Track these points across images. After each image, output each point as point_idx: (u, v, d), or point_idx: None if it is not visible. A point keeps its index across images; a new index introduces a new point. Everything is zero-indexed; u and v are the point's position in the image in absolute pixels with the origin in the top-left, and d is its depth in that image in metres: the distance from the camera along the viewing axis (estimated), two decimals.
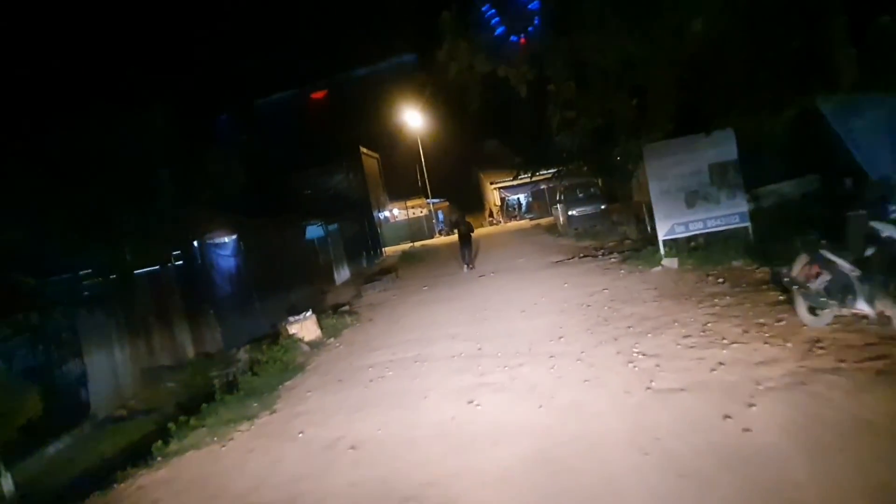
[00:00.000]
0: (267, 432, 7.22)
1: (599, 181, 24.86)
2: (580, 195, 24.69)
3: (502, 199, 45.76)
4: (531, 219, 41.72)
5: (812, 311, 6.82)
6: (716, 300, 8.78)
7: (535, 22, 13.43)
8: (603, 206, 23.79)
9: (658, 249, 13.40)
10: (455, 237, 20.17)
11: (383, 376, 8.39)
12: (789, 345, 6.33)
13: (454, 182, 46.72)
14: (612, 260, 15.07)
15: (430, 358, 8.81)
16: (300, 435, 6.76)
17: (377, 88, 39.88)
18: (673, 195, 12.73)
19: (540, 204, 42.54)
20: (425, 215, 43.84)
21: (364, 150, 32.10)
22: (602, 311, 9.48)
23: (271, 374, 9.85)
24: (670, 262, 12.46)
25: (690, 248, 13.22)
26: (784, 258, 10.71)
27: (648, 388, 5.92)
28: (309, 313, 12.37)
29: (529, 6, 14.01)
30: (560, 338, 8.36)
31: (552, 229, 27.97)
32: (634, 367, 6.58)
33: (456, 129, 43.32)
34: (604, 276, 12.89)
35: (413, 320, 12.19)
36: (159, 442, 7.46)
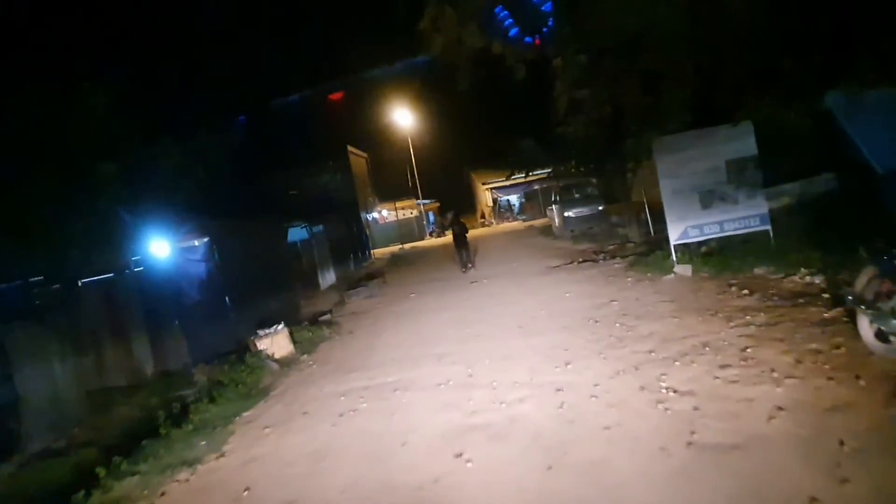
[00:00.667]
0: (208, 485, 5.77)
1: (595, 180, 23.53)
2: (577, 195, 23.30)
3: (494, 200, 44.29)
4: (524, 220, 40.32)
5: (882, 336, 5.43)
6: (748, 317, 7.39)
7: (550, 23, 12.26)
8: (601, 207, 22.41)
9: (668, 254, 12.05)
10: (448, 239, 18.99)
11: (356, 409, 6.95)
12: (862, 382, 4.93)
13: (445, 182, 45.42)
14: (616, 265, 13.69)
15: (413, 385, 7.37)
16: (245, 494, 5.31)
17: (367, 88, 38.48)
18: (686, 195, 11.36)
19: (533, 205, 41.16)
20: (415, 216, 42.37)
21: (352, 149, 30.61)
22: (614, 329, 8.07)
23: (230, 401, 8.42)
24: (683, 270, 11.09)
25: (703, 254, 11.88)
26: (816, 266, 9.49)
27: (690, 442, 4.51)
28: (280, 326, 10.93)
29: (543, 7, 12.82)
30: (567, 364, 6.93)
31: (547, 231, 26.58)
32: (666, 409, 5.16)
33: (447, 128, 42.06)
34: (609, 284, 11.51)
35: (397, 334, 10.76)
36: (81, 494, 6.01)
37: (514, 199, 44.64)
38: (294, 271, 19.50)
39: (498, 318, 10.19)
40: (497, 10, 13.72)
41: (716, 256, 11.27)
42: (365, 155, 34.48)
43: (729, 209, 11.25)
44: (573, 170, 18.46)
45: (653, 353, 6.68)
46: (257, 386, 9.06)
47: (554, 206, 24.43)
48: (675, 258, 11.50)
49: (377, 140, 39.94)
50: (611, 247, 17.80)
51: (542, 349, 7.73)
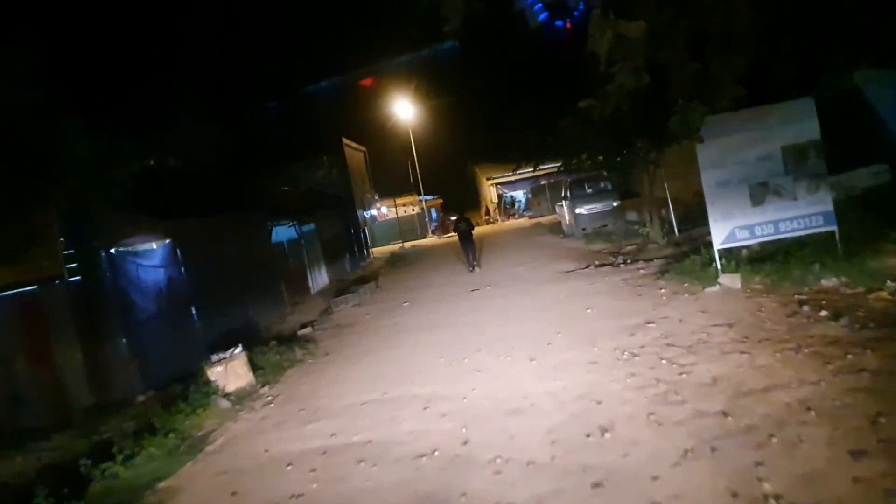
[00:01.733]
0: None
1: (607, 174, 21.30)
2: (589, 190, 21.03)
3: (499, 196, 41.95)
4: (530, 217, 38.08)
5: None
6: (850, 356, 5.22)
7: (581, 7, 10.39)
8: (615, 203, 20.23)
9: (708, 259, 9.89)
10: (452, 237, 17.35)
11: (303, 494, 4.81)
12: None
13: (448, 178, 43.26)
14: (642, 272, 11.53)
15: (385, 455, 5.20)
16: None
17: (365, 79, 36.31)
18: (734, 188, 9.15)
19: (540, 200, 38.88)
20: (417, 213, 40.15)
21: (348, 142, 28.32)
22: (659, 369, 5.89)
23: (152, 458, 6.31)
24: (730, 280, 8.92)
25: (749, 258, 9.72)
26: None
27: None
28: (238, 350, 8.80)
29: None
30: (604, 433, 4.72)
31: (556, 229, 24.38)
32: None
33: (450, 120, 40.03)
34: (639, 297, 9.34)
35: (379, 361, 8.61)
36: None
37: (519, 194, 42.34)
38: (281, 274, 17.43)
39: (503, 344, 8.01)
40: None
41: (768, 263, 9.09)
42: (362, 148, 32.19)
43: (786, 206, 9.04)
44: (587, 161, 16.23)
45: (730, 419, 4.49)
46: (194, 434, 6.95)
47: (564, 203, 22.21)
48: (719, 266, 9.32)
49: (376, 133, 37.76)
50: (629, 247, 15.68)
51: (566, 401, 5.55)
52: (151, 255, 11.77)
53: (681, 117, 7.07)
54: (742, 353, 5.86)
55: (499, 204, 41.77)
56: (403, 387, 7.04)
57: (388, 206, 38.44)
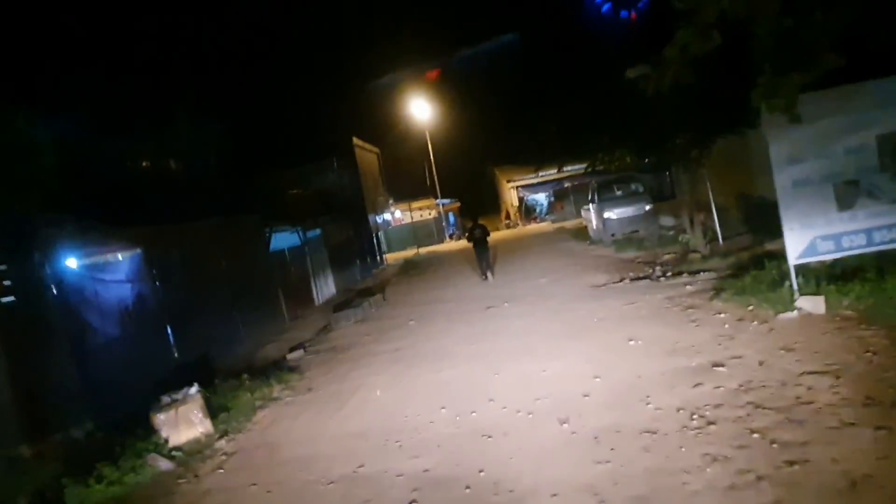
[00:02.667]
0: None
1: (636, 174, 19.32)
2: (618, 192, 18.98)
3: (520, 199, 39.83)
4: (552, 221, 36.01)
5: None
6: None
7: None
8: (648, 207, 18.14)
9: (777, 277, 7.93)
10: (466, 244, 16.00)
11: None
12: None
13: (467, 180, 41.39)
14: (689, 287, 9.58)
15: None
16: None
17: (380, 78, 34.61)
18: (815, 189, 7.14)
19: (563, 204, 36.82)
20: (434, 218, 38.24)
21: (359, 142, 26.43)
22: (755, 453, 3.92)
23: None
24: (812, 304, 6.97)
25: (827, 273, 7.71)
26: None
27: None
28: (193, 390, 7.04)
29: None
30: None
31: (581, 235, 22.36)
32: None
33: (469, 121, 38.26)
34: (694, 324, 7.39)
35: (364, 406, 6.78)
36: None
37: (541, 197, 40.25)
38: (280, 285, 15.72)
39: (524, 392, 6.07)
40: None
41: (857, 283, 7.10)
42: (376, 150, 30.29)
43: (882, 211, 7.03)
44: (618, 161, 14.29)
45: None
46: None
47: (591, 206, 20.16)
48: (795, 285, 7.33)
49: (392, 135, 36.02)
50: (667, 257, 13.72)
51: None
52: (115, 268, 10.09)
53: (767, 88, 5.13)
54: (877, 427, 3.92)
55: (520, 208, 39.72)
56: (387, 457, 5.16)
57: (403, 210, 36.64)
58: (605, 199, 18.79)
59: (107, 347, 9.08)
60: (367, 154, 28.62)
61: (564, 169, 25.82)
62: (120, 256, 10.20)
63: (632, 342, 7.03)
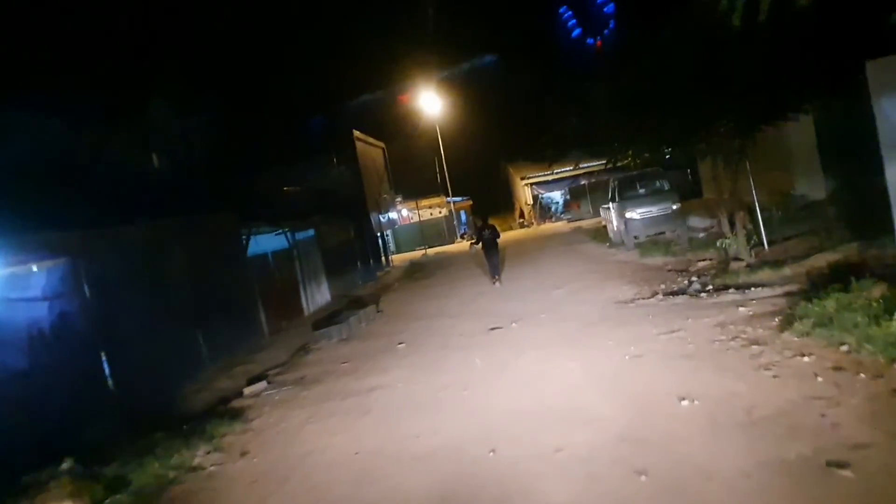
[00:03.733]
0: None
1: (661, 169, 17.12)
2: (642, 190, 16.72)
3: (535, 197, 37.49)
4: (568, 220, 33.73)
5: None
6: None
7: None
8: (675, 206, 15.88)
9: (878, 305, 5.68)
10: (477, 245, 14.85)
11: None
12: None
13: (479, 177, 39.21)
14: (742, 310, 7.37)
15: None
16: None
17: (387, 69, 32.48)
18: None
19: (580, 203, 34.55)
20: (445, 216, 36.07)
21: (360, 136, 24.25)
22: None
23: None
24: None
25: None
26: None
27: None
28: (66, 465, 4.96)
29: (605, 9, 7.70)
30: None
31: (600, 236, 20.14)
32: None
33: (482, 115, 36.21)
34: (768, 372, 5.16)
35: (309, 494, 4.68)
36: None
37: (557, 195, 37.95)
38: (262, 294, 13.69)
39: (527, 488, 3.97)
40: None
41: None
42: (381, 144, 28.05)
43: None
44: (652, 152, 12.18)
45: None
46: None
47: (611, 205, 17.90)
48: None
49: (399, 129, 33.94)
50: (701, 264, 11.56)
51: None
52: (26, 282, 8.06)
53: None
54: None
55: (534, 206, 37.42)
56: None
57: (411, 209, 34.54)
58: (627, 198, 16.57)
59: (7, 384, 7.09)
60: (370, 149, 26.46)
61: (581, 165, 23.64)
62: (35, 268, 8.18)
63: (685, 402, 4.83)
